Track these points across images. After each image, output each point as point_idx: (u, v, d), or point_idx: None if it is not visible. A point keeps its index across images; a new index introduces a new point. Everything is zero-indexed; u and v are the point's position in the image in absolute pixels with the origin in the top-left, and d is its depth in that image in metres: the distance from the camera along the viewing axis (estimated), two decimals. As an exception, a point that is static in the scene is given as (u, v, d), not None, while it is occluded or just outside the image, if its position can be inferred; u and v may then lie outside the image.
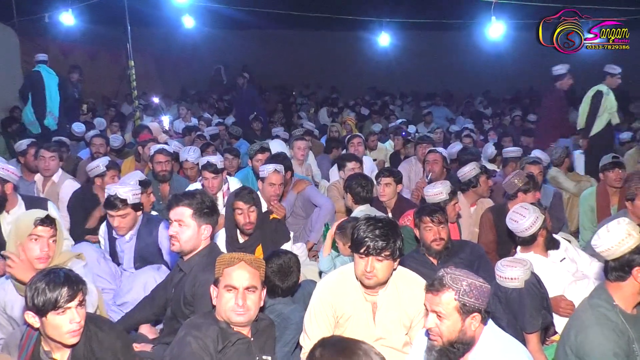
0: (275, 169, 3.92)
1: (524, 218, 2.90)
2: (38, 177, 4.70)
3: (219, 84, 13.95)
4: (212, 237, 2.66)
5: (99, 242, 3.72)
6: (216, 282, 2.18)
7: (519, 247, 3.07)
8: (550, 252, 3.05)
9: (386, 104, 12.99)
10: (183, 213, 2.53)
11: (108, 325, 2.20)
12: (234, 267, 2.14)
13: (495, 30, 8.25)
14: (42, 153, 4.56)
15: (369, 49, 12.80)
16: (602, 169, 4.36)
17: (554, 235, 3.19)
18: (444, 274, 1.97)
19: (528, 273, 2.52)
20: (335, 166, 5.11)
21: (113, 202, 3.24)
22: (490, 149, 6.20)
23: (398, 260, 2.33)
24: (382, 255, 2.24)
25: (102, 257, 3.39)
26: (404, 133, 7.47)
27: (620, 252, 2.09)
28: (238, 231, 3.37)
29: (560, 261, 3.05)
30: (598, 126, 5.98)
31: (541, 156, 4.82)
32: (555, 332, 2.78)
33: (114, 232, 3.40)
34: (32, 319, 1.97)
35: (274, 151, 4.98)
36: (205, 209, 2.56)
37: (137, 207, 3.33)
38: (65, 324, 1.94)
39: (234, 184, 4.41)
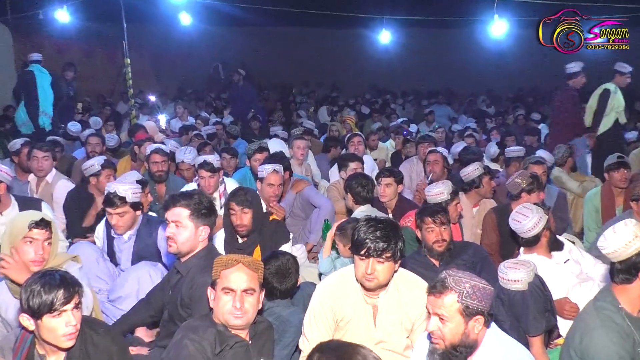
0: (274, 169, 3.88)
1: (527, 218, 2.88)
2: (32, 178, 4.66)
3: (217, 82, 13.90)
4: (210, 238, 2.63)
5: (94, 242, 3.68)
6: (213, 285, 2.16)
7: (522, 249, 3.04)
8: (554, 253, 3.03)
9: (387, 102, 12.97)
10: (180, 214, 2.50)
11: (103, 329, 2.18)
12: (232, 269, 2.12)
13: (497, 28, 8.22)
14: (35, 153, 4.52)
15: (369, 47, 12.77)
16: (607, 169, 4.33)
17: (558, 237, 3.16)
18: (447, 276, 1.96)
19: (531, 275, 2.50)
20: (336, 166, 5.07)
21: (112, 200, 3.21)
22: (492, 149, 6.19)
23: (399, 262, 2.31)
24: (383, 257, 2.21)
25: (101, 257, 3.37)
26: (405, 132, 7.44)
27: (627, 254, 2.06)
28: (237, 232, 3.34)
29: (564, 262, 3.03)
30: (605, 125, 5.96)
31: (545, 156, 4.80)
32: (560, 335, 2.76)
33: (112, 232, 3.38)
34: (27, 321, 1.95)
35: (272, 151, 4.94)
36: (203, 210, 2.53)
37: (136, 206, 3.30)
38: (61, 327, 1.92)
39: (230, 184, 4.37)
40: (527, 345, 2.40)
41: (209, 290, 2.18)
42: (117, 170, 4.73)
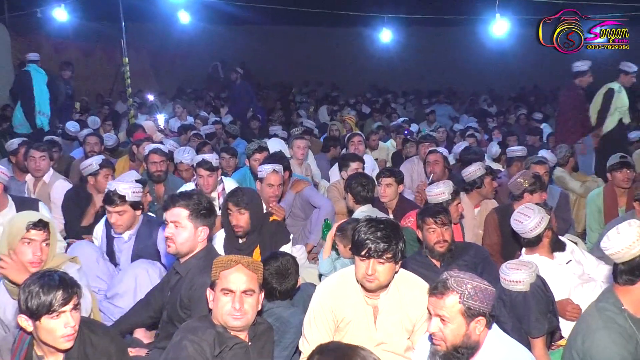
0: (274, 169, 3.86)
1: (528, 219, 2.86)
2: (29, 178, 4.65)
3: (216, 81, 13.87)
4: (210, 239, 2.62)
5: (92, 242, 3.66)
6: (213, 285, 2.15)
7: (523, 249, 3.03)
8: (556, 254, 3.01)
9: (388, 102, 12.95)
10: (179, 214, 2.49)
11: (102, 330, 2.17)
12: (231, 269, 2.10)
13: (499, 27, 8.20)
14: (32, 153, 4.50)
15: (370, 46, 12.76)
16: (609, 169, 4.31)
17: (560, 237, 3.15)
18: (448, 276, 1.95)
19: (533, 276, 2.48)
20: (336, 166, 5.05)
21: (111, 198, 3.20)
22: (494, 148, 6.17)
23: (400, 262, 2.30)
24: (384, 257, 2.20)
25: (101, 257, 3.36)
26: (406, 132, 7.42)
27: (630, 255, 2.04)
28: (237, 232, 3.32)
29: (567, 263, 3.01)
30: (609, 124, 5.93)
31: (547, 156, 4.78)
32: (562, 337, 2.74)
33: (112, 231, 3.36)
34: (26, 322, 1.94)
35: (272, 150, 4.92)
36: (203, 210, 2.51)
37: (136, 205, 3.29)
38: (60, 328, 1.91)
39: (229, 184, 4.35)
40: (529, 346, 2.38)
41: (208, 291, 2.17)
42: (115, 170, 4.72)
